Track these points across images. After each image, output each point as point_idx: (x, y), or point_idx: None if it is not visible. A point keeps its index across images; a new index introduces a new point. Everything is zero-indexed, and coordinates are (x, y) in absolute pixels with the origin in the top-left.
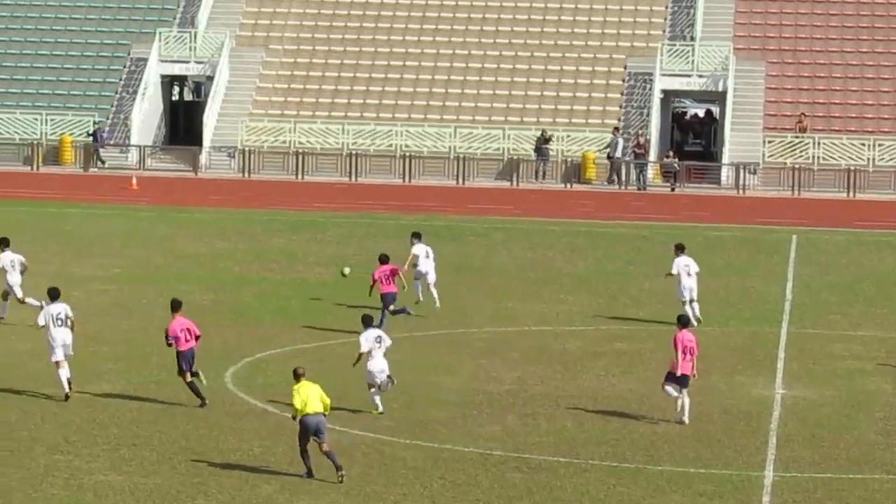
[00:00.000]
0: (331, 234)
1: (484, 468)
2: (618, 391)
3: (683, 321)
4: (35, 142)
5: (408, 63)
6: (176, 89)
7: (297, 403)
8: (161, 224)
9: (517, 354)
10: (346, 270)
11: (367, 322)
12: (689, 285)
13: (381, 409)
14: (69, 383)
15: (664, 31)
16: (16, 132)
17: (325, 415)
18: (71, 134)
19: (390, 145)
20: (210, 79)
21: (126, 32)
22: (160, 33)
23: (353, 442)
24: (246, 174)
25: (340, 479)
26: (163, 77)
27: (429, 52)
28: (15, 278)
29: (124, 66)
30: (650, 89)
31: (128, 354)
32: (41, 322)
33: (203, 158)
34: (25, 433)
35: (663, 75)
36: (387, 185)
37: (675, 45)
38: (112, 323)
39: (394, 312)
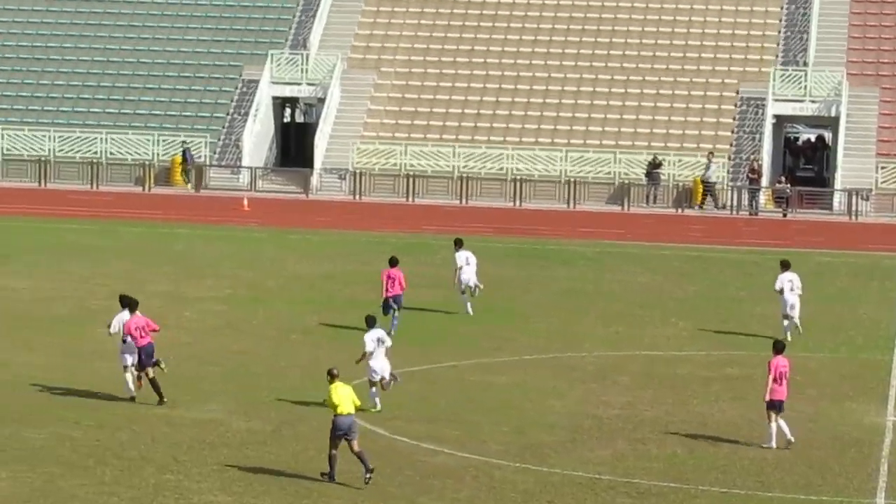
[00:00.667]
0: (440, 257)
1: (593, 493)
2: (728, 417)
3: (778, 347)
4: (147, 162)
5: (519, 86)
6: (287, 111)
7: (335, 399)
8: (271, 245)
9: (627, 379)
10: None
11: (371, 323)
12: (791, 301)
13: (378, 406)
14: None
15: (777, 56)
16: (128, 153)
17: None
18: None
19: (501, 168)
20: (321, 101)
21: (238, 54)
22: (272, 55)
23: (461, 465)
24: (357, 196)
25: (367, 480)
26: (274, 99)
27: (540, 76)
28: None
29: (236, 88)
30: (762, 114)
31: (238, 375)
32: (114, 329)
33: (314, 180)
34: (136, 453)
35: (776, 100)
36: (497, 208)
37: (787, 70)
38: (223, 344)
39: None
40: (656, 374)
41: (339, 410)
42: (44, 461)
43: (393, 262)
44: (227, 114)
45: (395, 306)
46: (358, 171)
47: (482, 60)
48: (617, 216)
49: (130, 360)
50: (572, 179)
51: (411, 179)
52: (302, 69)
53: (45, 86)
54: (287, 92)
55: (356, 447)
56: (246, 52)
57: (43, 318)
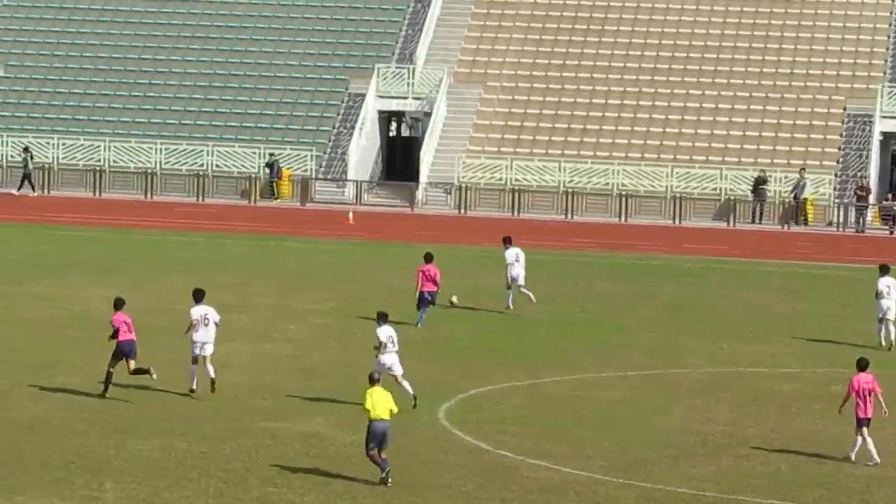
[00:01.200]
0: (544, 272)
1: None
2: (832, 435)
3: (861, 364)
4: (253, 176)
5: (625, 102)
6: (393, 125)
7: (368, 405)
8: (376, 259)
9: (731, 395)
10: (454, 299)
11: (382, 319)
12: (888, 305)
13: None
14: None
15: (884, 74)
16: (234, 166)
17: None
18: (289, 168)
19: (607, 184)
20: (427, 115)
21: (345, 68)
22: (378, 69)
23: (565, 480)
24: (462, 210)
25: (384, 477)
26: (380, 113)
27: (647, 92)
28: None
29: (342, 102)
30: (869, 131)
31: (342, 388)
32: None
33: (419, 194)
34: (240, 465)
35: (883, 117)
36: (602, 223)
37: (895, 87)
38: (327, 357)
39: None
40: (761, 390)
41: (373, 415)
42: (149, 473)
43: (428, 259)
44: (333, 127)
45: (430, 300)
46: (463, 185)
47: (588, 75)
48: (722, 232)
49: (198, 350)
50: (678, 195)
51: (516, 194)
52: (408, 83)
53: (151, 98)
54: (393, 106)
55: (383, 455)
56: (353, 66)
57: (148, 330)
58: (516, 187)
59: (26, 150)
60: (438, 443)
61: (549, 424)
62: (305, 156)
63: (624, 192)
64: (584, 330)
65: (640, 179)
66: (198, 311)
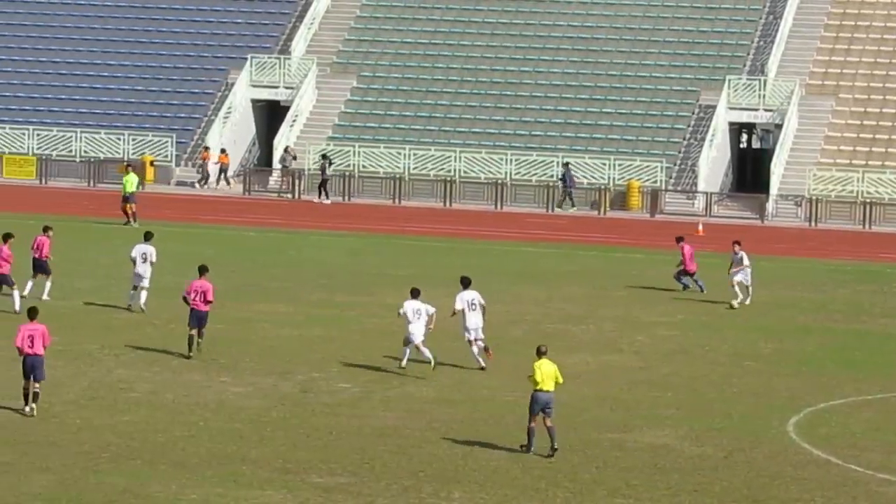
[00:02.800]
0: None
1: None
2: None
3: None
4: (603, 187)
5: None
6: (744, 136)
7: (537, 377)
8: (725, 271)
9: None
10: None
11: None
12: None
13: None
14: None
15: None
16: (584, 177)
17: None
18: (639, 179)
19: None
20: (778, 126)
21: (695, 79)
22: (729, 80)
23: None
24: (812, 223)
25: (551, 453)
26: (731, 124)
27: None
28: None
29: (693, 113)
30: None
31: (690, 401)
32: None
33: (769, 206)
34: (588, 476)
35: None
36: None
37: None
38: (675, 369)
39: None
40: None
41: (539, 386)
42: (497, 482)
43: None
44: (684, 139)
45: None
46: (814, 197)
47: None
48: None
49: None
50: None
51: (868, 207)
52: (759, 95)
53: (502, 110)
54: (744, 117)
55: (549, 423)
56: (704, 78)
57: (499, 341)
58: (868, 200)
59: (325, 157)
60: (787, 456)
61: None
62: (655, 167)
63: None
64: None
65: None
66: (411, 306)
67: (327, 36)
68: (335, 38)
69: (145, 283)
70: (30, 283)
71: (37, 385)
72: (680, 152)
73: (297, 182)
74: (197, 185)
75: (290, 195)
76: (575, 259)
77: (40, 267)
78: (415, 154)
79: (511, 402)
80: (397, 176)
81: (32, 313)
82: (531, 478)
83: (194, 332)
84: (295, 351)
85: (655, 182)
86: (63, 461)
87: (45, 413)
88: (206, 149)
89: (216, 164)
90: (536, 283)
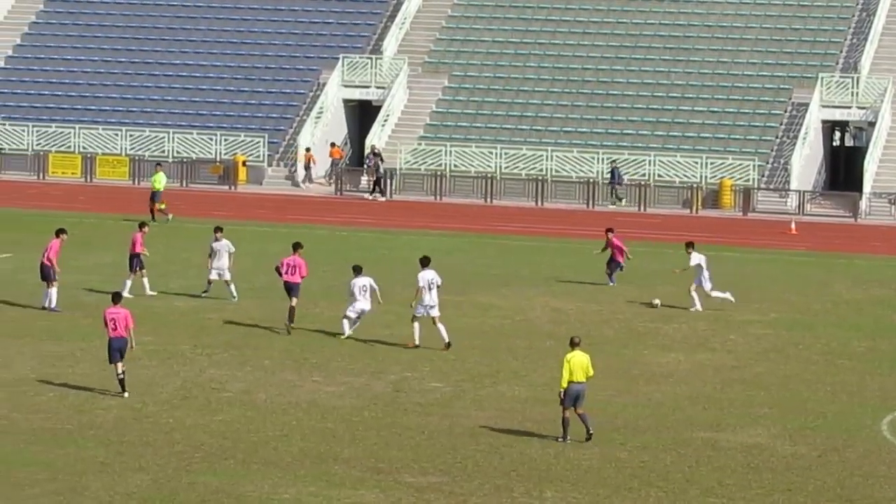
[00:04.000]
0: None
1: None
2: None
3: None
4: (695, 185)
5: None
6: (837, 134)
7: (565, 372)
8: (818, 270)
9: None
10: (656, 302)
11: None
12: None
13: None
14: None
15: None
16: (676, 175)
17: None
18: (731, 178)
19: None
20: (872, 124)
21: (788, 77)
22: (822, 78)
23: None
24: None
25: (588, 437)
26: (824, 122)
27: None
28: None
29: (785, 111)
30: None
31: (783, 399)
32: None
33: (863, 205)
34: (680, 476)
35: None
36: None
37: None
38: (769, 368)
39: None
40: None
41: (571, 378)
42: (589, 482)
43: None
44: (776, 137)
45: None
46: None
47: None
48: None
49: (423, 312)
50: None
51: None
52: (852, 92)
53: (594, 108)
54: (837, 115)
55: (580, 410)
56: (796, 76)
57: (592, 340)
58: None
59: (376, 154)
60: (880, 455)
61: None
62: (748, 165)
63: None
64: None
65: None
66: (424, 277)
67: (419, 35)
68: (427, 38)
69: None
70: (128, 282)
71: (121, 365)
72: (772, 150)
73: (387, 182)
74: (302, 186)
75: (380, 195)
76: (665, 258)
77: (137, 262)
78: (506, 153)
79: (603, 402)
80: (489, 175)
81: (116, 298)
82: (623, 477)
83: (294, 301)
84: (386, 350)
85: (748, 180)
86: (157, 461)
87: (138, 413)
88: (334, 145)
89: (315, 164)
90: (628, 282)
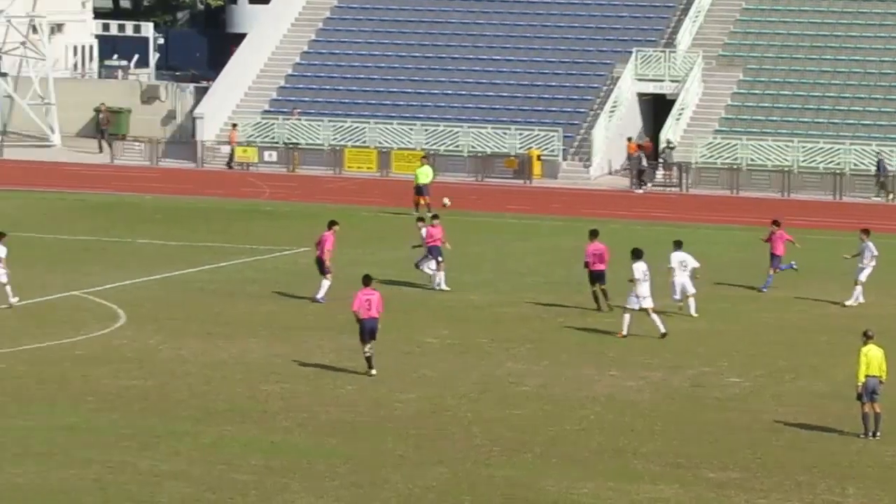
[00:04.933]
0: None
1: None
2: None
3: None
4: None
5: None
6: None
7: (862, 366)
8: None
9: None
10: (446, 201)
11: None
12: None
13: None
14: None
15: None
16: (872, 164)
17: (880, 379)
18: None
19: None
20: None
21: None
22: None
23: None
24: None
25: (872, 437)
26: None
27: None
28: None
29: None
30: None
31: None
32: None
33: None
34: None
35: None
36: None
37: None
38: None
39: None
40: None
41: (867, 372)
42: (894, 479)
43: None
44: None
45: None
46: None
47: None
48: None
49: (637, 304)
50: None
51: None
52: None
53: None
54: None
55: (878, 408)
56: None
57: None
58: None
59: (640, 147)
60: None
61: None
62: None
63: None
64: None
65: None
66: (639, 268)
67: (712, 29)
68: (721, 31)
69: None
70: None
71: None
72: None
73: (683, 175)
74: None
75: (676, 188)
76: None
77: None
78: (803, 147)
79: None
80: (785, 169)
81: (367, 280)
82: None
83: (596, 287)
84: (684, 345)
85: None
86: (455, 454)
87: (437, 406)
88: (630, 139)
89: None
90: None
